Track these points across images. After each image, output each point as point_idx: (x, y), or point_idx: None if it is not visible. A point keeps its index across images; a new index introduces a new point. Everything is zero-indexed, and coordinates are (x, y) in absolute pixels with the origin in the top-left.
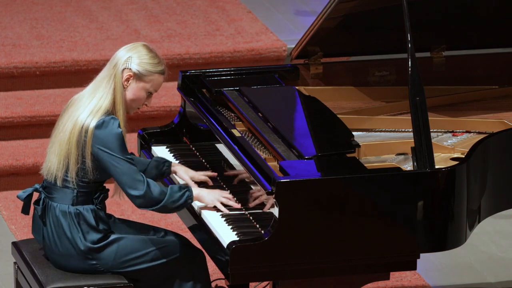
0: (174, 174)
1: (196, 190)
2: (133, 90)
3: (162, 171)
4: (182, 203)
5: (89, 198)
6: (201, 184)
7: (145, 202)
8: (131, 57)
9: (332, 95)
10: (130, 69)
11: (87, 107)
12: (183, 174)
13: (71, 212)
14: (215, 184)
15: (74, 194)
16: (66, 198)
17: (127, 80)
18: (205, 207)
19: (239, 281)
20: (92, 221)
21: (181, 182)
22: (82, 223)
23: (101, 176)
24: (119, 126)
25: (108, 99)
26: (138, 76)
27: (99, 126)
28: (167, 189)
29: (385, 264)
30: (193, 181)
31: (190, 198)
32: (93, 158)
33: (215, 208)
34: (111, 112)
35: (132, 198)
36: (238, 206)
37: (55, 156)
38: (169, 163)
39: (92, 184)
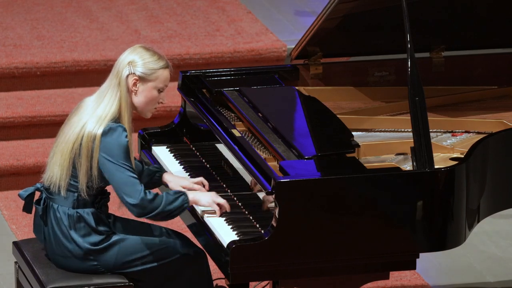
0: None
1: (191, 194)
2: (144, 92)
3: (154, 180)
4: (178, 207)
5: (90, 202)
6: None
7: (142, 210)
8: (132, 61)
9: (332, 95)
10: (134, 73)
11: (92, 116)
12: (174, 186)
13: (71, 215)
14: (216, 184)
15: (75, 198)
16: (67, 201)
17: (135, 84)
18: (205, 208)
19: (239, 281)
20: (93, 223)
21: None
22: (83, 225)
23: (104, 184)
24: (126, 136)
25: (114, 106)
26: (143, 78)
27: (105, 132)
28: (163, 196)
29: (385, 263)
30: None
31: (186, 202)
32: (98, 166)
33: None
34: (117, 119)
35: (129, 206)
36: (228, 209)
37: (57, 166)
38: (160, 174)
39: (95, 190)
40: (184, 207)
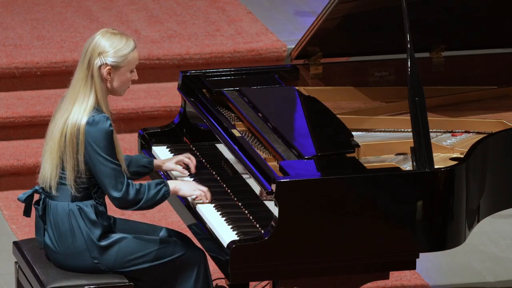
0: (167, 171)
1: (172, 184)
2: (118, 78)
3: (146, 167)
4: (159, 199)
5: (88, 193)
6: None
7: (124, 203)
8: (102, 52)
9: (331, 96)
10: (106, 64)
11: (72, 111)
12: (170, 165)
13: (71, 209)
14: (216, 184)
15: (73, 192)
16: (65, 196)
17: (109, 74)
18: (205, 206)
19: (239, 281)
20: (93, 216)
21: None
22: (84, 218)
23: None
24: (110, 125)
25: (91, 98)
26: (116, 66)
27: (89, 123)
28: (145, 189)
29: (385, 263)
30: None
31: (167, 192)
32: (85, 158)
33: (215, 208)
34: (97, 109)
35: (112, 198)
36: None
37: (48, 164)
38: (151, 160)
39: (89, 182)
40: (165, 198)
